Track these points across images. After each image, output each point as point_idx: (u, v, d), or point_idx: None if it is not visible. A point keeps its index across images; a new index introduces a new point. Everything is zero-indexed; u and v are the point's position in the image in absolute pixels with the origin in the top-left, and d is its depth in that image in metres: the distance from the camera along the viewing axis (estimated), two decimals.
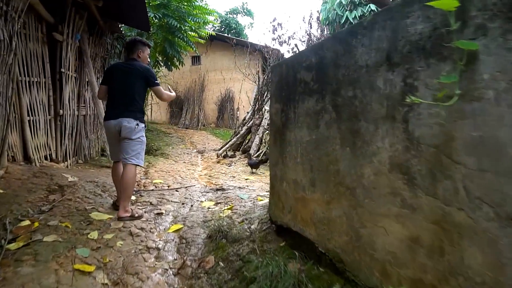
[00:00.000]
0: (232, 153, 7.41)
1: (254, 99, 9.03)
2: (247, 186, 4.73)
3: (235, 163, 6.82)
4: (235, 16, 26.62)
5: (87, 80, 5.68)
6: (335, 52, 1.83)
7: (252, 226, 2.64)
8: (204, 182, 5.37)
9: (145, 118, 9.63)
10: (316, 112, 1.96)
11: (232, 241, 2.53)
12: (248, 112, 9.59)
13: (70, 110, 5.12)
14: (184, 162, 7.09)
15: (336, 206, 1.80)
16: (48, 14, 4.57)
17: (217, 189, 4.43)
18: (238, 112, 16.25)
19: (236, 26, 24.65)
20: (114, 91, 3.20)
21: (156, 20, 7.85)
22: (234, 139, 7.86)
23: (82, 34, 5.38)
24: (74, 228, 2.70)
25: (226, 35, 17.01)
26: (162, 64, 9.20)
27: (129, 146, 3.10)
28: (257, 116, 7.93)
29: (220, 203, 3.69)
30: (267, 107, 7.50)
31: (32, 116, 4.28)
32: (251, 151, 7.07)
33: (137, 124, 3.14)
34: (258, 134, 7.34)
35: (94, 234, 2.65)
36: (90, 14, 5.67)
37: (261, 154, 6.83)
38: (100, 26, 6.24)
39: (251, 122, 8.11)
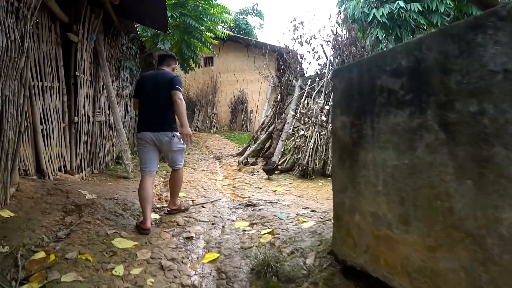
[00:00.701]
0: (254, 160, 6.99)
1: (274, 101, 8.60)
2: (278, 200, 4.30)
3: (257, 171, 6.40)
4: (245, 17, 26.25)
5: (102, 84, 5.31)
6: (444, 52, 1.39)
7: (308, 261, 2.21)
8: (229, 194, 4.95)
9: None
10: (410, 130, 1.52)
11: (286, 281, 2.10)
12: (267, 116, 9.18)
13: (85, 117, 4.75)
14: (203, 170, 6.69)
15: (446, 256, 1.37)
16: (62, 13, 4.21)
17: (247, 205, 4.01)
18: (251, 115, 15.85)
19: (246, 27, 24.26)
20: (147, 103, 3.22)
21: (171, 20, 7.47)
22: (255, 145, 7.44)
23: (97, 34, 5.01)
24: (95, 261, 2.30)
25: (240, 35, 16.58)
26: (178, 66, 8.82)
27: (173, 156, 3.33)
28: (279, 120, 7.50)
29: (255, 223, 3.27)
30: (292, 112, 7.08)
31: (45, 124, 3.91)
32: (274, 158, 6.64)
33: (173, 135, 3.21)
34: (281, 140, 6.90)
35: (120, 269, 2.24)
36: (105, 13, 5.30)
37: (286, 162, 6.40)
38: (116, 26, 5.88)
39: (272, 126, 7.68)
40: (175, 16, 7.10)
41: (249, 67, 16.05)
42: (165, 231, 3.06)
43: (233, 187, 5.36)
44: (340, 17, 6.87)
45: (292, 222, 3.15)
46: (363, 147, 1.82)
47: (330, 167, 5.91)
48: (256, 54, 15.43)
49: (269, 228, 3.06)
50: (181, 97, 3.16)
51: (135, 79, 7.18)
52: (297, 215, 3.37)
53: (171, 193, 3.58)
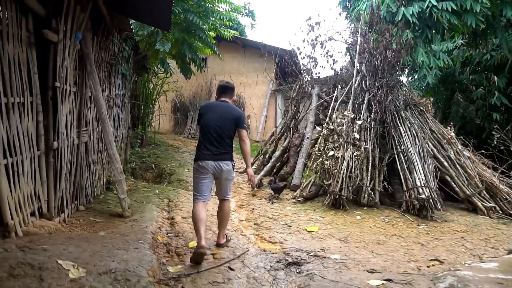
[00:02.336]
0: (272, 180, 5.96)
1: (285, 110, 7.60)
2: (323, 251, 3.32)
3: (277, 197, 5.38)
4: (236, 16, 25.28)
5: (90, 95, 4.21)
6: None
7: None
8: (253, 236, 3.94)
9: (152, 129, 8.08)
10: None
11: None
12: (276, 127, 8.17)
13: (68, 140, 3.65)
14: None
15: None
16: (36, 3, 3.11)
17: (289, 263, 3.01)
18: (249, 120, 14.81)
19: (238, 27, 23.27)
20: (211, 131, 3.25)
21: (172, 17, 6.38)
22: (269, 163, 6.42)
23: (84, 33, 3.92)
24: None
25: (237, 35, 15.53)
26: (177, 70, 7.70)
27: (228, 185, 3.41)
28: (296, 134, 6.50)
29: None
30: (311, 125, 6.10)
31: (10, 157, 2.81)
32: (295, 181, 5.66)
33: (233, 165, 3.36)
34: (302, 159, 5.92)
35: None
36: (94, 6, 4.21)
37: (310, 185, 5.41)
38: (107, 23, 4.77)
39: (287, 141, 6.68)
40: (177, 11, 6.02)
41: (246, 69, 15.04)
42: None
43: (255, 224, 4.33)
44: (374, 14, 5.90)
45: None
46: None
47: (365, 195, 4.96)
48: (251, 56, 14.44)
49: None
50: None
51: (128, 85, 6.08)
52: None
53: (220, 226, 3.46)
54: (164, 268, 2.79)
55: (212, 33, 7.84)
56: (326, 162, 5.01)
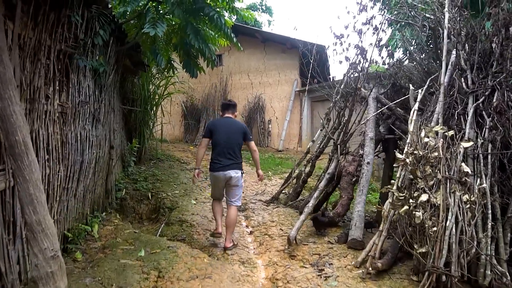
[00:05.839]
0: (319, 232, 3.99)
1: (325, 117, 5.59)
2: None
3: (329, 262, 3.39)
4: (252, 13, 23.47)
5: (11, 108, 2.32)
6: None
7: None
8: None
9: (154, 139, 6.52)
10: None
11: None
12: (312, 141, 6.19)
13: None
14: (223, 254, 3.68)
15: None
16: None
17: None
18: (270, 126, 12.84)
19: (254, 24, 21.43)
20: (222, 145, 3.83)
21: None
22: (311, 202, 4.36)
23: None
24: None
25: (256, 28, 13.64)
26: (180, 67, 5.78)
27: (235, 191, 3.93)
28: (350, 157, 4.46)
29: None
30: (371, 143, 4.09)
31: None
32: (355, 232, 3.67)
33: (242, 173, 3.97)
34: (361, 195, 3.91)
35: None
36: None
37: (381, 242, 3.38)
38: None
39: (334, 165, 4.67)
40: None
41: (267, 67, 13.11)
42: None
43: None
44: None
45: None
46: None
47: (487, 271, 2.93)
48: (271, 51, 12.57)
49: None
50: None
51: (105, 88, 4.20)
52: None
53: (227, 230, 3.84)
54: None
55: (228, 20, 5.96)
56: (417, 214, 2.99)
